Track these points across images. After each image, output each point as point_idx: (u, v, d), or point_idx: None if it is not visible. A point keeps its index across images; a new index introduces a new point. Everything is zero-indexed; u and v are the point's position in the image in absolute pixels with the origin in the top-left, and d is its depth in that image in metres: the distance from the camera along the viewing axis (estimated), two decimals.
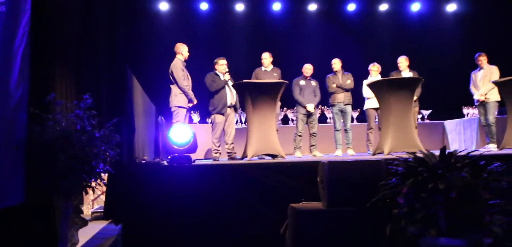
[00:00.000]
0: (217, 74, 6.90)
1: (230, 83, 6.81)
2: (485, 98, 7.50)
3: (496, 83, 6.99)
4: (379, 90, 6.47)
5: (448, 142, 9.41)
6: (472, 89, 7.79)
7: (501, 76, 7.33)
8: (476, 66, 7.79)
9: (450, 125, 9.57)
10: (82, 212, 4.71)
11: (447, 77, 10.59)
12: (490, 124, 7.45)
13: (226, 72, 6.87)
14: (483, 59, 7.66)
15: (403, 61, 7.76)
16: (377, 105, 7.02)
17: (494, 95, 7.43)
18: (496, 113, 7.69)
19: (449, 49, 11.18)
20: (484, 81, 7.54)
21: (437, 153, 3.19)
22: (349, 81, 7.65)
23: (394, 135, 6.04)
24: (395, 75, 7.59)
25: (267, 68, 7.43)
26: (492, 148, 7.15)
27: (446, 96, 10.34)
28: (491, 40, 10.29)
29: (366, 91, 7.68)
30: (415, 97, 7.12)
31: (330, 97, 7.72)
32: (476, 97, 7.69)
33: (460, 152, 3.16)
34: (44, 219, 3.72)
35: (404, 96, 6.16)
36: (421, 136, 7.19)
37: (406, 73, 7.65)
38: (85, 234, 5.10)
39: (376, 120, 7.88)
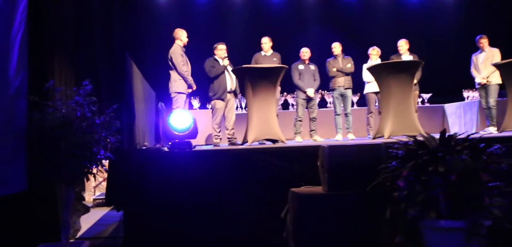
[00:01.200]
0: (216, 60, 6.88)
1: (230, 68, 6.80)
2: (487, 81, 7.46)
3: (496, 65, 6.96)
4: (379, 74, 6.45)
5: (448, 125, 9.42)
6: (473, 72, 7.76)
7: (502, 59, 7.30)
8: (476, 49, 7.76)
9: (450, 108, 9.57)
10: (84, 199, 4.74)
11: (447, 60, 10.57)
12: (490, 107, 7.43)
13: (225, 57, 6.86)
14: (484, 42, 7.60)
15: (403, 45, 7.74)
16: (377, 89, 7.01)
17: (495, 78, 7.39)
18: (497, 96, 7.66)
19: (449, 32, 11.15)
20: (486, 64, 7.49)
21: (437, 136, 3.19)
22: (349, 65, 7.63)
23: (394, 118, 6.04)
24: (395, 58, 7.57)
25: (267, 52, 7.41)
26: (492, 131, 7.15)
27: (446, 79, 10.32)
28: (491, 22, 10.24)
29: (366, 75, 7.67)
30: (415, 81, 7.11)
31: (331, 81, 7.71)
32: (477, 80, 7.65)
33: (460, 135, 3.17)
34: (47, 206, 3.74)
35: (404, 80, 6.15)
36: (421, 119, 7.19)
37: (406, 56, 7.63)
38: (87, 221, 5.15)
39: (376, 104, 7.88)
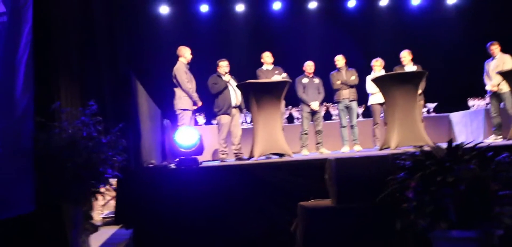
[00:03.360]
0: (219, 76, 6.91)
1: (234, 83, 6.81)
2: (498, 88, 7.33)
3: (501, 73, 6.90)
4: (383, 85, 6.45)
5: (454, 134, 9.37)
6: (486, 79, 7.63)
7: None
8: (488, 56, 7.63)
9: (456, 117, 9.53)
10: (92, 218, 4.72)
11: (451, 69, 10.53)
12: (510, 112, 7.24)
13: (226, 73, 6.88)
14: (494, 48, 7.45)
15: (406, 56, 7.73)
16: (381, 100, 7.01)
17: (507, 85, 7.16)
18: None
19: (451, 41, 11.12)
20: (497, 71, 7.35)
21: (444, 145, 3.17)
22: (353, 77, 7.63)
23: (400, 129, 6.02)
24: (399, 69, 7.56)
25: (269, 67, 7.44)
26: (496, 138, 7.06)
27: (451, 88, 10.29)
28: (493, 30, 10.22)
29: (370, 87, 7.67)
30: (419, 91, 7.09)
31: (335, 94, 7.71)
32: (488, 87, 7.55)
33: (467, 144, 3.15)
34: (55, 227, 3.73)
35: (409, 90, 6.14)
36: (427, 129, 7.16)
37: (410, 67, 7.62)
38: (97, 240, 5.11)
39: (382, 115, 7.86)
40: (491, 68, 7.50)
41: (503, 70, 6.91)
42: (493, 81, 7.42)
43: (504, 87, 7.27)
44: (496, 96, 7.46)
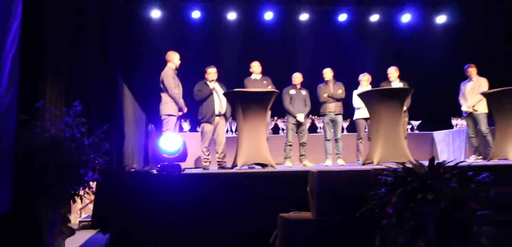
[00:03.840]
0: (206, 83, 6.90)
1: (221, 91, 6.81)
2: (473, 109, 7.54)
3: (484, 94, 7.06)
4: (369, 100, 6.50)
5: (437, 152, 9.48)
6: (461, 100, 7.85)
7: (489, 88, 7.39)
8: (465, 78, 7.86)
9: (439, 135, 9.65)
10: (69, 221, 4.66)
11: (436, 88, 10.67)
12: (484, 135, 7.46)
13: (212, 80, 6.88)
14: (472, 71, 7.70)
15: (393, 72, 7.81)
16: (367, 115, 7.06)
17: (482, 107, 7.47)
18: (487, 123, 7.72)
19: (438, 60, 11.27)
20: (473, 93, 7.58)
21: (426, 163, 3.20)
22: (340, 91, 7.68)
23: (384, 145, 6.07)
24: (385, 85, 7.64)
25: (257, 76, 7.46)
26: (474, 159, 7.19)
27: (435, 107, 10.41)
28: (480, 51, 10.38)
29: (356, 101, 7.72)
30: (404, 108, 7.16)
31: (321, 107, 7.74)
32: (463, 108, 7.75)
33: (448, 162, 3.19)
34: (30, 228, 3.67)
35: (394, 107, 6.20)
36: (411, 146, 7.23)
37: (396, 83, 7.70)
38: (72, 244, 5.05)
39: (366, 130, 7.92)
40: (468, 90, 7.71)
41: (486, 92, 7.03)
42: (469, 102, 7.60)
43: (479, 108, 7.49)
44: (472, 117, 7.66)
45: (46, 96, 3.95)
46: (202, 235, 4.20)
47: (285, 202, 4.08)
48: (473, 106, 7.52)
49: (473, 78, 7.68)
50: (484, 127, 7.48)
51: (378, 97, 6.29)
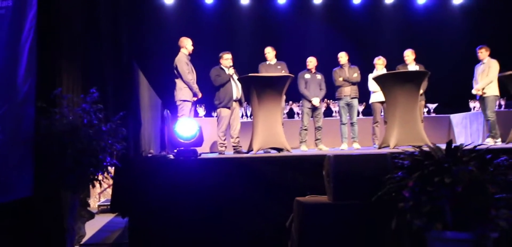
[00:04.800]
0: (222, 68, 6.91)
1: (235, 77, 6.82)
2: (482, 92, 7.38)
3: (501, 77, 6.94)
4: (385, 84, 6.45)
5: (454, 135, 9.38)
6: (474, 83, 7.72)
7: (501, 70, 7.22)
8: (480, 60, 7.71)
9: (456, 118, 9.54)
10: (89, 205, 4.75)
11: (453, 70, 10.53)
12: (488, 119, 7.34)
13: (230, 66, 6.88)
14: (481, 52, 7.52)
15: (409, 55, 7.72)
16: (383, 99, 7.01)
17: (491, 90, 7.32)
18: (496, 107, 7.58)
19: (455, 42, 11.11)
20: (482, 76, 7.43)
21: (443, 146, 3.18)
22: (355, 75, 7.63)
23: (400, 128, 6.03)
24: (401, 68, 7.56)
25: (271, 62, 7.44)
26: (490, 142, 7.07)
27: (452, 89, 10.29)
28: (498, 32, 10.21)
29: (372, 85, 7.67)
30: (421, 91, 7.09)
31: (337, 90, 7.71)
32: (473, 91, 7.64)
33: (466, 145, 3.16)
34: (52, 211, 3.76)
35: (410, 90, 6.14)
36: (427, 129, 7.17)
37: (412, 66, 7.62)
38: (92, 227, 5.16)
39: (382, 114, 7.86)
40: (478, 72, 7.56)
41: (504, 73, 6.90)
42: (478, 85, 7.46)
43: (488, 91, 7.33)
44: (482, 100, 7.51)
45: (63, 84, 4.00)
46: (219, 219, 4.24)
47: (301, 186, 4.10)
48: (483, 89, 7.37)
49: (484, 60, 7.49)
50: (489, 110, 7.32)
51: (394, 81, 6.24)
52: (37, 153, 3.33)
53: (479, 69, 7.57)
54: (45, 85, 3.61)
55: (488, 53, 7.48)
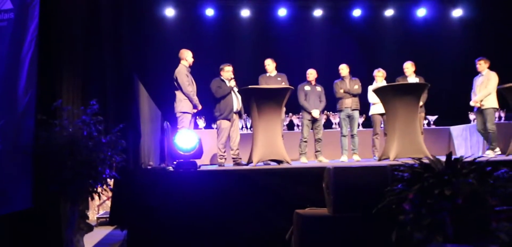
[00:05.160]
0: (223, 80, 6.92)
1: (235, 89, 6.83)
2: (481, 105, 7.37)
3: (500, 89, 6.95)
4: (385, 95, 6.46)
5: (454, 147, 9.36)
6: (472, 95, 7.73)
7: (500, 82, 7.22)
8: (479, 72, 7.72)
9: (456, 130, 9.53)
10: (87, 217, 4.73)
11: (453, 83, 10.54)
12: (488, 131, 7.31)
13: (231, 79, 6.90)
14: (479, 64, 7.51)
15: (409, 67, 7.74)
16: (382, 111, 7.01)
17: (489, 102, 7.29)
18: (496, 119, 7.57)
19: (455, 55, 11.13)
20: (481, 88, 7.40)
21: (443, 158, 3.17)
22: (357, 87, 7.64)
23: (400, 140, 6.03)
24: (401, 80, 7.57)
25: (271, 73, 7.46)
26: (490, 154, 7.06)
27: (452, 102, 10.29)
28: (498, 45, 10.23)
29: (372, 97, 7.68)
30: (421, 103, 7.09)
31: (338, 102, 7.72)
32: (471, 103, 7.62)
33: (466, 158, 3.15)
34: (50, 224, 3.74)
35: (410, 102, 6.15)
36: (427, 141, 7.16)
37: (412, 78, 7.63)
38: (90, 240, 5.12)
39: (382, 125, 7.87)
40: (477, 84, 7.54)
41: (506, 86, 6.90)
42: (476, 97, 7.43)
43: (487, 103, 7.30)
44: (480, 112, 7.48)
45: (63, 96, 4.00)
46: (218, 231, 4.22)
47: (301, 198, 4.09)
48: (481, 101, 7.35)
49: (483, 72, 7.49)
50: (489, 123, 7.30)
51: (394, 93, 6.25)
52: (36, 165, 3.33)
53: (478, 81, 7.55)
54: (45, 97, 3.61)
55: (487, 65, 7.47)
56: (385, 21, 11.72)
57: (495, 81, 7.30)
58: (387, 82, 7.71)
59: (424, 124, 8.70)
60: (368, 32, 11.58)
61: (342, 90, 7.62)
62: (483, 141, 7.99)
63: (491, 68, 7.46)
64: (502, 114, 8.93)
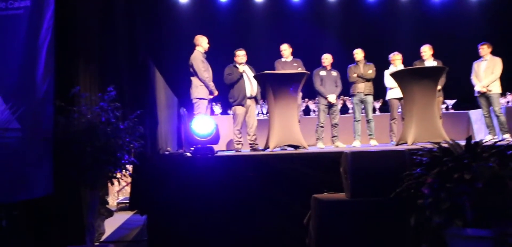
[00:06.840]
0: (235, 66, 6.90)
1: (251, 74, 6.81)
2: (487, 90, 7.45)
3: None
4: (402, 80, 6.39)
5: (473, 132, 9.23)
6: (474, 79, 7.74)
7: (504, 68, 7.31)
8: (479, 56, 7.73)
9: (475, 114, 9.38)
10: (107, 203, 4.80)
11: (472, 66, 10.37)
12: (498, 115, 7.42)
13: (241, 63, 6.87)
14: (482, 49, 7.60)
15: (426, 50, 7.64)
16: (400, 95, 6.94)
17: (495, 87, 7.43)
18: (505, 104, 7.62)
19: (473, 37, 10.88)
20: (487, 73, 7.50)
21: (462, 142, 3.13)
22: (370, 71, 7.57)
23: (418, 125, 5.96)
24: (419, 64, 7.48)
25: (287, 59, 7.43)
26: (490, 138, 7.01)
27: (471, 85, 10.11)
28: None
29: (389, 81, 7.60)
30: (439, 87, 7.01)
31: (351, 87, 7.67)
32: (477, 88, 7.65)
33: (486, 141, 3.11)
34: (72, 209, 3.81)
35: (428, 86, 6.07)
36: (446, 126, 7.07)
37: (430, 62, 7.53)
38: (111, 224, 5.22)
39: (399, 110, 7.79)
40: (482, 69, 7.59)
41: None
42: (483, 82, 7.50)
43: (493, 88, 7.43)
44: (485, 97, 7.58)
45: (80, 83, 4.05)
46: (236, 216, 4.24)
47: (318, 183, 4.07)
48: (487, 86, 7.43)
49: (487, 57, 7.55)
50: (497, 107, 7.45)
51: (411, 77, 6.17)
52: (56, 151, 3.37)
53: (481, 66, 7.62)
54: (63, 84, 3.66)
55: (490, 50, 7.57)
56: (402, 4, 11.58)
57: (501, 66, 7.43)
58: (404, 66, 7.61)
59: (442, 108, 8.61)
60: (385, 15, 11.43)
61: (355, 75, 7.56)
62: (493, 126, 7.89)
63: (493, 53, 7.48)
64: (511, 98, 8.86)
